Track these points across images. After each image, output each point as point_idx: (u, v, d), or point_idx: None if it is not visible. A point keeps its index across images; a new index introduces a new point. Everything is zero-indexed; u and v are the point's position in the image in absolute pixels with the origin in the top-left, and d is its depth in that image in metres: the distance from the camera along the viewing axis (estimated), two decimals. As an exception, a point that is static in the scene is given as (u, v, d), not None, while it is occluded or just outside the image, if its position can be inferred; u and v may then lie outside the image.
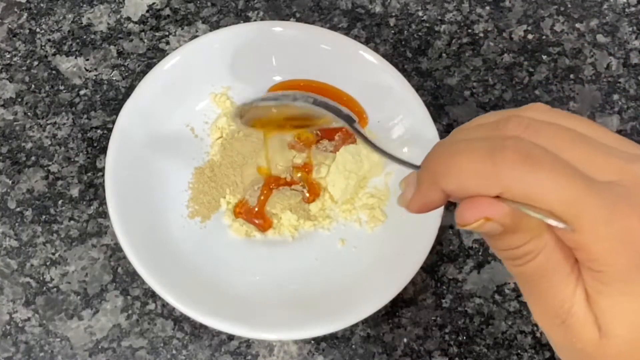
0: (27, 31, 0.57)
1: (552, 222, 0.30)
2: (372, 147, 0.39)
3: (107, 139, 0.52)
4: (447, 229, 0.54)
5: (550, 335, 0.35)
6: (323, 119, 0.45)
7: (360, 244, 0.52)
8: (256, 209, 0.53)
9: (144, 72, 0.55)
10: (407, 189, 0.37)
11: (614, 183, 0.31)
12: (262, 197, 0.53)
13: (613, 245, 0.31)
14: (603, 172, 0.31)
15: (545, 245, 0.33)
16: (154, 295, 0.51)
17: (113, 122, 0.52)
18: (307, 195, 0.53)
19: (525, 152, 0.30)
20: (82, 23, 0.58)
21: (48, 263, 0.52)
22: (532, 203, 0.30)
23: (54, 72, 0.56)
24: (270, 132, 0.51)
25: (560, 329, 0.34)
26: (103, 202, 0.53)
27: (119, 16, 0.58)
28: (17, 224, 0.53)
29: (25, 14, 0.58)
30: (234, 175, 0.53)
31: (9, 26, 0.58)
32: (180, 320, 0.51)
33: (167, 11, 0.58)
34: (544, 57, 0.59)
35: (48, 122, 0.55)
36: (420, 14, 0.59)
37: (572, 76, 0.58)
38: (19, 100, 0.56)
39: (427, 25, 0.59)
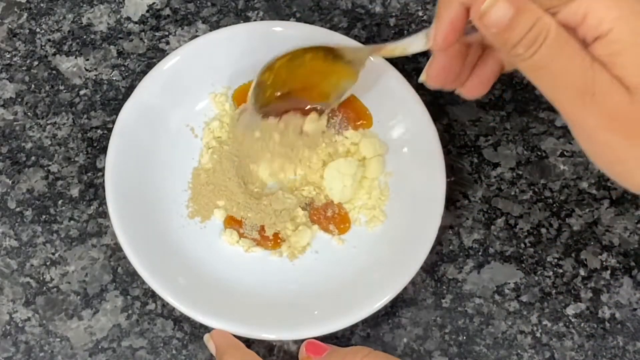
0: (27, 31, 0.57)
1: None
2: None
3: (107, 139, 0.52)
4: (447, 229, 0.54)
5: (582, 120, 0.38)
6: (339, 74, 0.49)
7: (360, 243, 0.52)
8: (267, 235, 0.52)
9: (144, 72, 0.55)
10: (431, 29, 0.42)
11: None
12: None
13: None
14: None
15: (550, 24, 0.36)
16: (154, 295, 0.51)
17: (113, 122, 0.52)
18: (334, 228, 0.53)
19: None
20: (82, 23, 0.58)
21: (48, 263, 0.52)
22: None
23: (54, 72, 0.56)
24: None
25: (592, 105, 0.37)
26: (103, 202, 0.53)
27: (119, 16, 0.58)
28: (17, 224, 0.53)
29: (25, 14, 0.58)
30: (229, 179, 0.53)
31: (9, 26, 0.58)
32: (180, 320, 0.51)
33: (167, 11, 0.58)
34: (544, 57, 0.59)
35: (48, 122, 0.55)
36: (420, 14, 0.59)
37: (572, 76, 0.58)
38: (19, 100, 0.56)
39: (427, 25, 0.59)
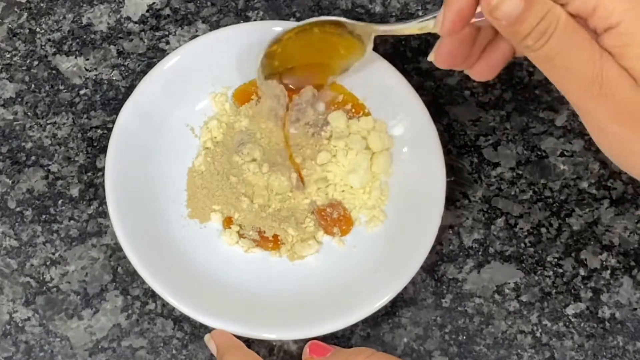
0: (27, 31, 0.57)
1: None
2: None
3: (107, 138, 0.52)
4: (447, 229, 0.54)
5: (591, 111, 0.38)
6: (343, 47, 0.51)
7: (360, 244, 0.52)
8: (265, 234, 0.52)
9: (144, 72, 0.55)
10: (440, 13, 0.41)
11: None
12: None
13: None
14: None
15: (560, 15, 0.36)
16: (154, 295, 0.51)
17: (113, 122, 0.52)
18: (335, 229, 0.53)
19: None
20: (82, 23, 0.58)
21: (48, 263, 0.52)
22: None
23: (54, 71, 0.56)
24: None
25: (600, 96, 0.37)
26: (103, 202, 0.53)
27: (119, 16, 0.58)
28: (17, 224, 0.53)
29: (25, 13, 0.58)
30: (223, 185, 0.53)
31: (9, 26, 0.58)
32: (180, 320, 0.51)
33: (167, 11, 0.58)
34: (544, 57, 0.59)
35: (48, 121, 0.55)
36: (420, 13, 0.59)
37: (572, 76, 0.58)
38: (19, 100, 0.56)
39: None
